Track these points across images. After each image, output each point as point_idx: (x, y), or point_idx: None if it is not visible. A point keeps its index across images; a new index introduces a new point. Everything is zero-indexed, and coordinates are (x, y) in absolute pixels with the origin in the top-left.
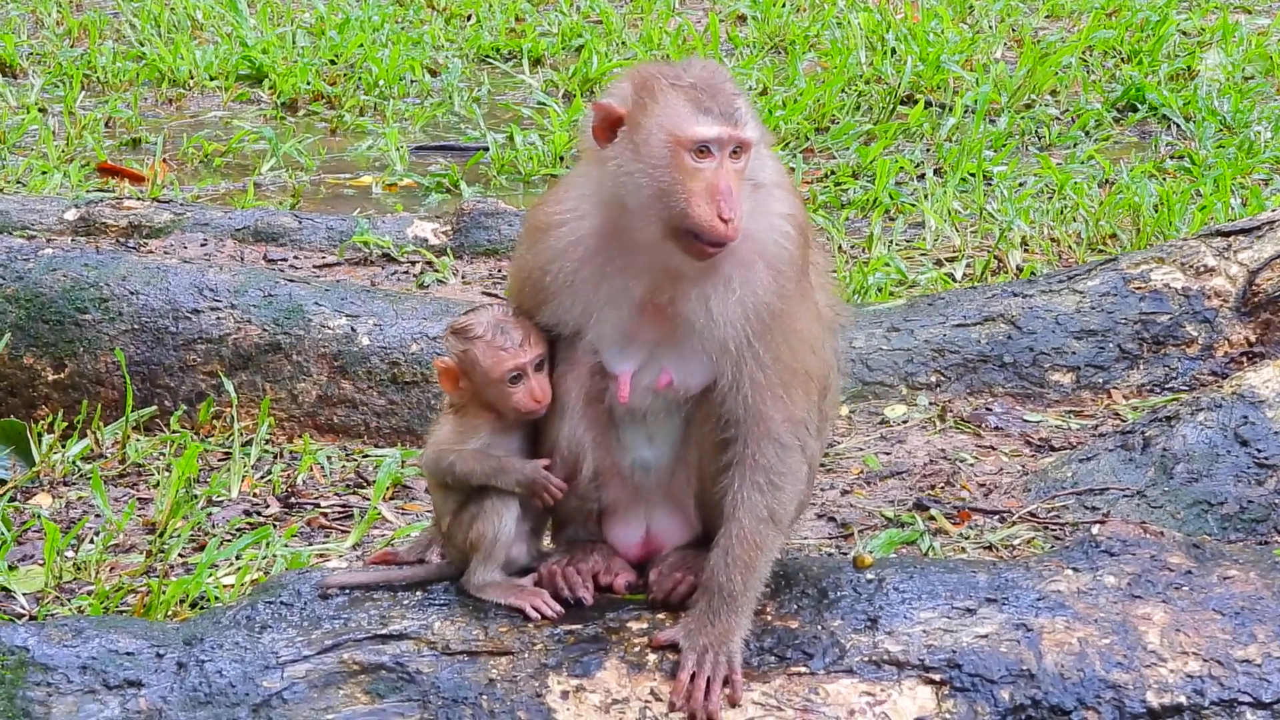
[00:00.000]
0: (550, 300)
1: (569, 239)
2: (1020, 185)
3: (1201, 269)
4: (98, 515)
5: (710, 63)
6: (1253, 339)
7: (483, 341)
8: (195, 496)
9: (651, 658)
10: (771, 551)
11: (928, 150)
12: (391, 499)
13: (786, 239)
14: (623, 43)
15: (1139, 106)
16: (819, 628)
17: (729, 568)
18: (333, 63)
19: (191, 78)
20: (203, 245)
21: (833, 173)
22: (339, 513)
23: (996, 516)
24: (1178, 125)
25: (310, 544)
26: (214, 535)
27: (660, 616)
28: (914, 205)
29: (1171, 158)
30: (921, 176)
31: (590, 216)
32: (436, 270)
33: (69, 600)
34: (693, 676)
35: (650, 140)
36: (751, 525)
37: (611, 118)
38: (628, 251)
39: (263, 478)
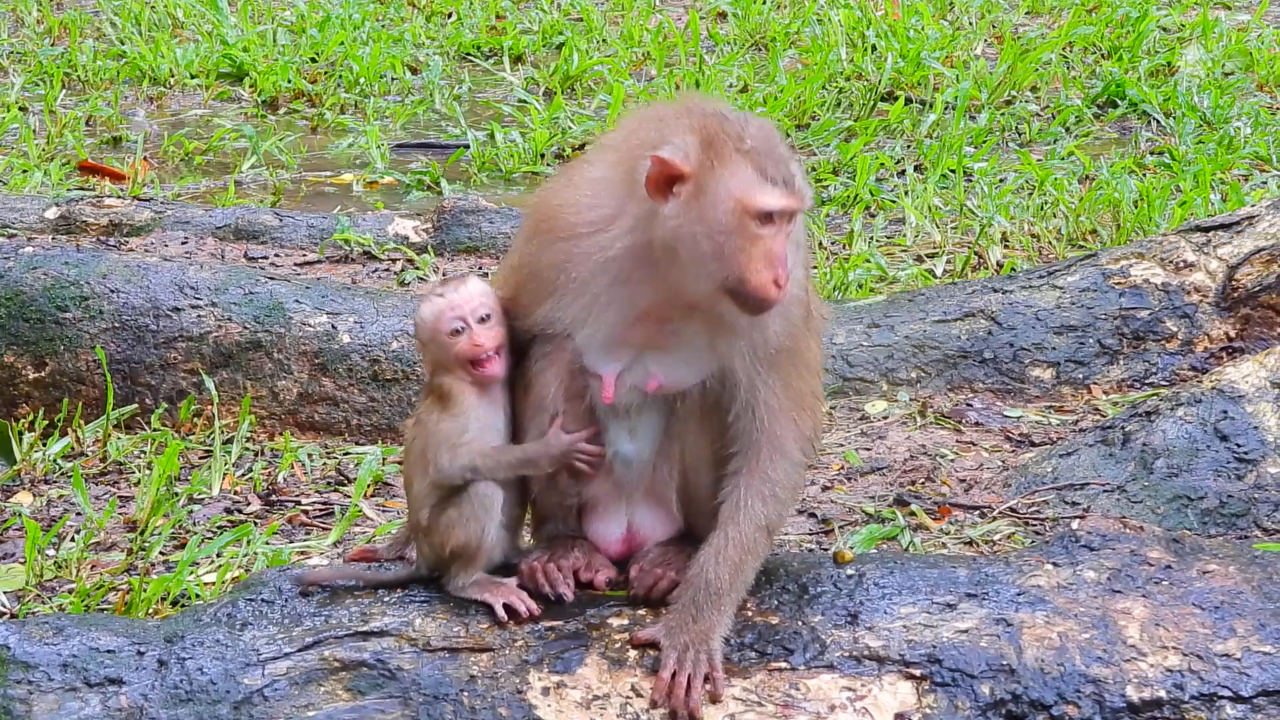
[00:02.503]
0: (552, 297)
1: (594, 249)
2: (1000, 181)
3: (1181, 264)
4: (79, 513)
5: (764, 122)
6: (1232, 334)
7: (424, 298)
8: (176, 494)
9: (632, 654)
10: (760, 558)
11: (908, 147)
12: (372, 496)
13: (798, 285)
14: (604, 40)
15: (1119, 102)
16: (799, 623)
17: (718, 565)
18: (313, 60)
19: (172, 76)
20: (183, 243)
21: (813, 169)
22: (320, 510)
23: (977, 512)
24: (1158, 121)
25: (291, 541)
26: (195, 533)
27: (641, 613)
28: (894, 202)
29: (1151, 153)
30: (902, 173)
31: (623, 239)
32: (417, 268)
33: (50, 598)
34: (674, 674)
35: (718, 206)
36: (750, 531)
37: (674, 174)
38: (656, 275)
39: (244, 475)
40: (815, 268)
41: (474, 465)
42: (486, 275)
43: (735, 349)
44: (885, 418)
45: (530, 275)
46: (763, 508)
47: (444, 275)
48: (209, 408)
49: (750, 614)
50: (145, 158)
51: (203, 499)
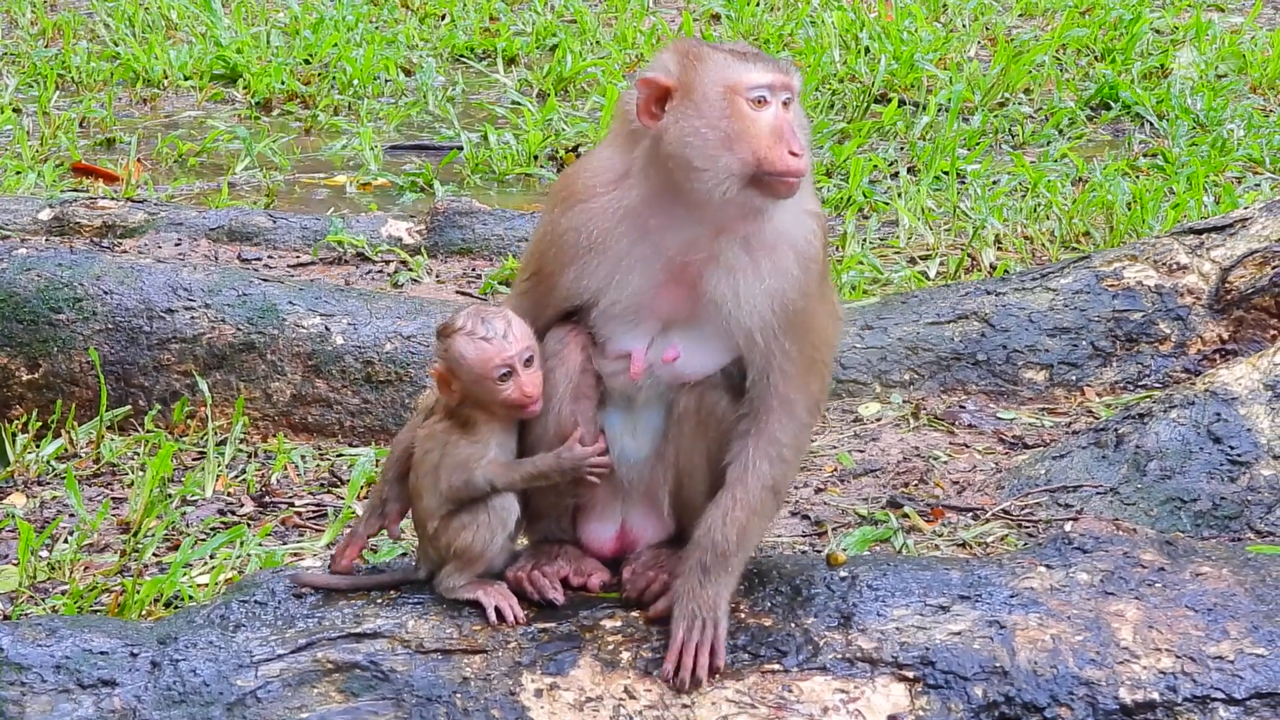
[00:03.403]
0: (575, 262)
1: (611, 205)
2: (994, 183)
3: (1174, 267)
4: (72, 515)
5: (740, 41)
6: (1225, 336)
7: (463, 334)
8: (169, 496)
9: (625, 655)
10: (766, 520)
11: (901, 149)
12: (365, 498)
13: (814, 235)
14: (597, 42)
15: (1112, 105)
16: (792, 625)
17: (726, 525)
18: (307, 62)
19: (166, 77)
20: (177, 245)
21: None
22: (313, 512)
23: (970, 514)
24: (1151, 123)
25: (284, 543)
26: (188, 534)
27: (634, 614)
28: (888, 203)
29: (1145, 156)
30: (895, 175)
31: (637, 186)
32: (410, 269)
33: (43, 600)
34: (683, 644)
35: (709, 97)
36: (757, 491)
37: (659, 90)
38: (675, 213)
39: (237, 477)
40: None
41: (491, 481)
42: (481, 277)
43: (755, 303)
44: (878, 420)
45: (552, 242)
46: (770, 469)
47: (471, 302)
48: (202, 409)
49: (743, 616)
50: (139, 159)
51: (196, 500)
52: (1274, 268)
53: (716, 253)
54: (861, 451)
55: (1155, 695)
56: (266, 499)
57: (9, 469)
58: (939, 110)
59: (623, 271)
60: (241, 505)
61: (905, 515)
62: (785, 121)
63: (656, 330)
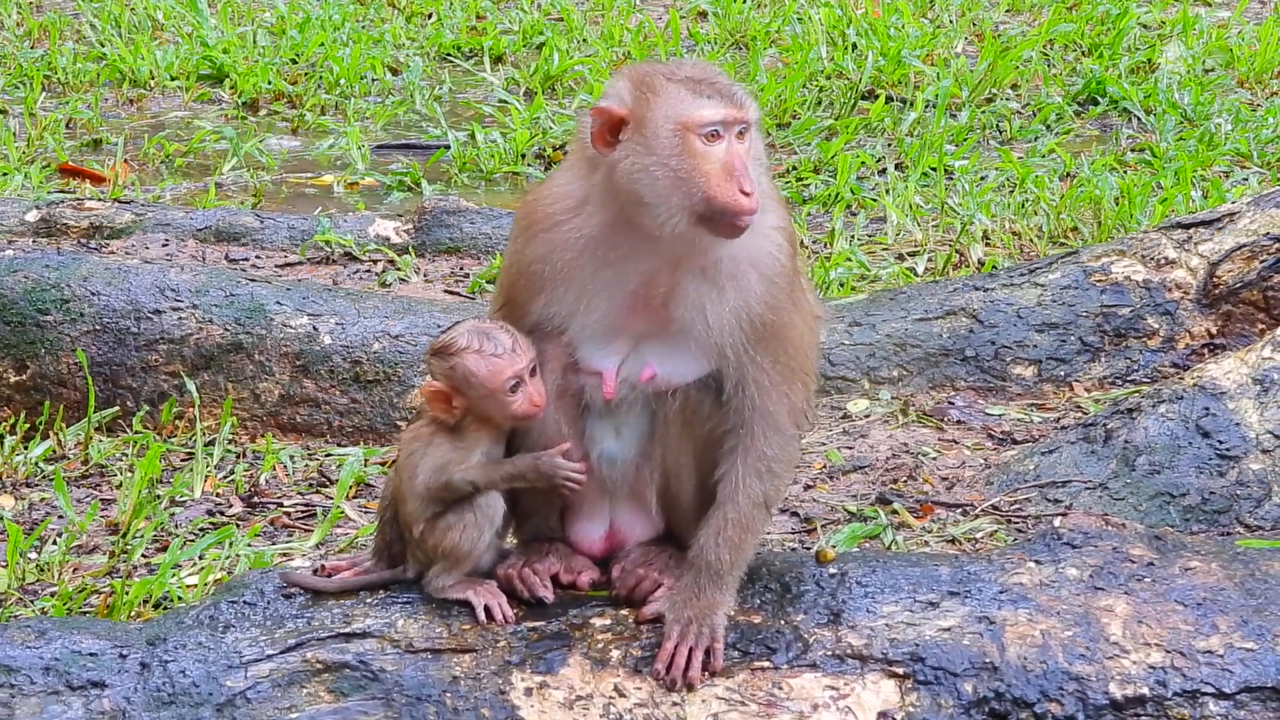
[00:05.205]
0: (544, 291)
1: (572, 235)
2: (981, 179)
3: (1162, 261)
4: (60, 516)
5: (700, 60)
6: (1214, 331)
7: (470, 352)
8: (158, 497)
9: (615, 654)
10: (759, 534)
11: (889, 145)
12: (354, 498)
13: (779, 250)
14: (584, 40)
15: (1100, 100)
16: (782, 622)
17: (719, 546)
18: (294, 62)
19: (152, 78)
20: (164, 245)
21: (794, 168)
22: (302, 512)
23: (959, 510)
24: (1138, 118)
25: (273, 543)
26: (177, 535)
27: (624, 613)
28: (875, 200)
29: (1132, 151)
30: (883, 171)
31: (596, 215)
32: (398, 269)
33: (32, 601)
34: (676, 645)
35: (659, 132)
36: (747, 509)
37: (613, 120)
38: (634, 245)
39: (225, 478)
40: (802, 248)
41: (471, 481)
42: (469, 276)
43: (724, 322)
44: (867, 416)
45: (520, 273)
46: (759, 484)
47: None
48: (190, 410)
49: (733, 613)
50: (125, 160)
51: (184, 501)
52: (1262, 262)
53: (678, 281)
54: (850, 448)
55: (1145, 690)
56: (255, 499)
57: None
58: (926, 106)
59: (589, 297)
60: (230, 506)
61: (894, 512)
62: (737, 158)
63: (629, 348)
